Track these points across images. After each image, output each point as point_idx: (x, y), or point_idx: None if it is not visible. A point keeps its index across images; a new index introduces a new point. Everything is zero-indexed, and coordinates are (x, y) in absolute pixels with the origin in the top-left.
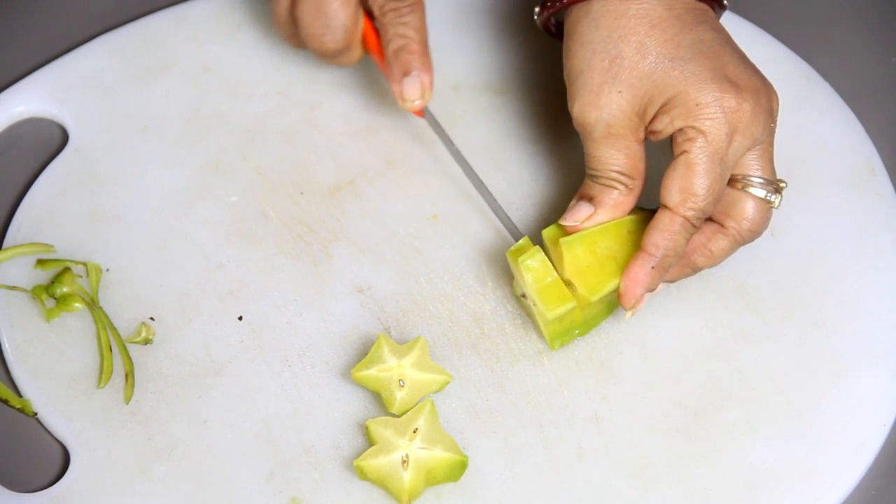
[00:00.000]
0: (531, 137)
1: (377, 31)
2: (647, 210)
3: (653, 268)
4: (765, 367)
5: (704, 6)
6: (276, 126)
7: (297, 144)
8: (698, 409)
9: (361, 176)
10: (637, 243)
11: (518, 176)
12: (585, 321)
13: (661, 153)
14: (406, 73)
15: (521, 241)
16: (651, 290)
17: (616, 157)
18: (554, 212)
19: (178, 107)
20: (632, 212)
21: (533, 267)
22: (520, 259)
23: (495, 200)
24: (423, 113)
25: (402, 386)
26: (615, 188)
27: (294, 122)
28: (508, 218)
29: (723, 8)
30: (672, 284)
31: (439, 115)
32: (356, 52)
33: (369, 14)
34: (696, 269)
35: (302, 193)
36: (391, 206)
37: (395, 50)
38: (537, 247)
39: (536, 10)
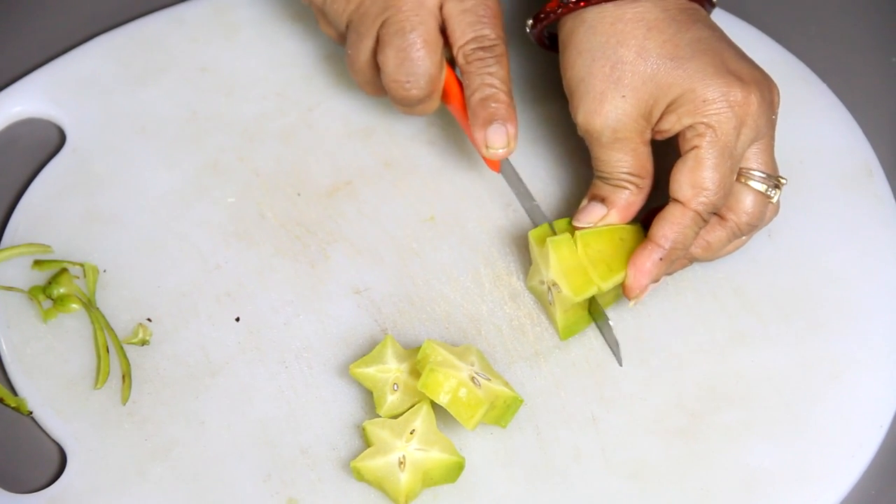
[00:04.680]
0: (528, 139)
1: (458, 81)
2: (638, 223)
3: (660, 259)
4: (762, 368)
5: (696, 5)
6: (274, 127)
7: (294, 145)
8: (696, 411)
9: (359, 177)
10: (629, 252)
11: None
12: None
13: (665, 155)
14: (491, 122)
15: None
16: (656, 281)
17: (625, 160)
18: (550, 212)
19: (175, 108)
20: None
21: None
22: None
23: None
24: (500, 167)
25: (396, 390)
26: (626, 188)
27: (292, 123)
28: None
29: (712, 5)
30: (670, 286)
31: (437, 117)
32: (435, 101)
33: (450, 63)
34: (692, 260)
35: (299, 194)
36: (388, 208)
37: (482, 98)
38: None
39: (529, 22)
